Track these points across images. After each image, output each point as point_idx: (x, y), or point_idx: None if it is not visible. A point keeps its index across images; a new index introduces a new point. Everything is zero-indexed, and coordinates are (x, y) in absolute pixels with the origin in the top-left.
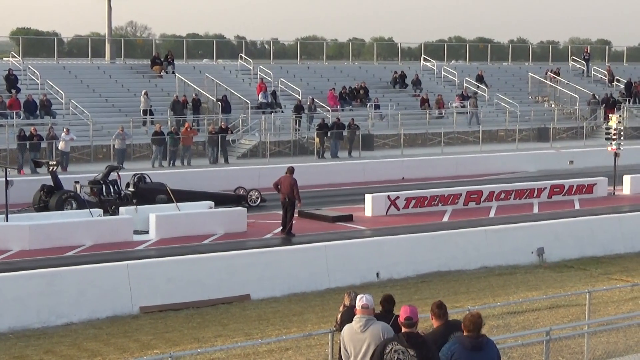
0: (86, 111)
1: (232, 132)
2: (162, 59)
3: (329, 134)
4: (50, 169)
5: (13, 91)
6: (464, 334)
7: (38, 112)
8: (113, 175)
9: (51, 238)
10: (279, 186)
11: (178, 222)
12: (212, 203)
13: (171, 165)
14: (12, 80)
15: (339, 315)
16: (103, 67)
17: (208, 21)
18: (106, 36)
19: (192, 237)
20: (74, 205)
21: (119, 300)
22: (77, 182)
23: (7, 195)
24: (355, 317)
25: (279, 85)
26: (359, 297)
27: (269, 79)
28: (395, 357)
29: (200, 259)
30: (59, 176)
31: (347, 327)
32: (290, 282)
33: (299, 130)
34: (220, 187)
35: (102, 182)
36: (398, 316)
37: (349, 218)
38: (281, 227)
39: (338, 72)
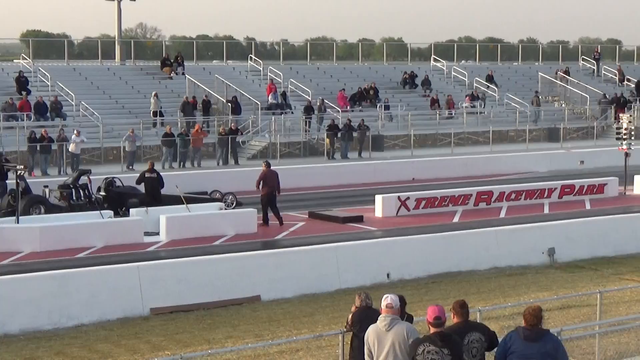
0: (96, 113)
1: (242, 134)
2: (172, 61)
3: (339, 135)
4: (18, 173)
5: (23, 93)
6: (524, 325)
7: (48, 114)
8: (84, 180)
9: (62, 240)
10: (262, 182)
11: (188, 224)
12: (222, 204)
13: (181, 166)
14: (22, 82)
15: (350, 316)
16: (113, 69)
17: (218, 22)
18: (116, 38)
19: (202, 239)
20: (42, 210)
21: (129, 302)
22: (46, 187)
23: (18, 197)
24: (380, 316)
25: (289, 86)
26: (384, 296)
27: (279, 80)
28: (429, 358)
29: (211, 260)
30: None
31: (371, 327)
32: (300, 283)
33: (309, 131)
34: (231, 188)
35: (72, 186)
36: (409, 316)
37: (359, 219)
38: (263, 222)
39: (348, 73)
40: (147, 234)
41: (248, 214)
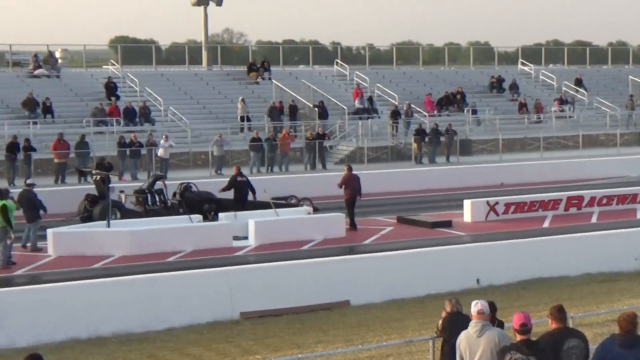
0: (184, 118)
1: (329, 138)
2: (258, 66)
3: (426, 139)
4: (94, 179)
5: (113, 99)
6: (619, 332)
7: (137, 119)
8: (159, 185)
9: (152, 244)
10: (345, 185)
11: (277, 228)
12: (310, 209)
13: (269, 171)
14: (111, 88)
15: (441, 322)
16: (200, 74)
17: (304, 27)
18: (203, 43)
19: (291, 243)
20: (118, 215)
21: (219, 306)
22: (122, 192)
23: (109, 201)
24: (471, 322)
25: (375, 90)
26: (474, 302)
27: (365, 84)
28: None
29: (300, 264)
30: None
31: (463, 333)
32: (389, 288)
33: (396, 135)
34: (318, 193)
35: (147, 191)
36: (500, 322)
37: (448, 224)
38: (350, 225)
39: (434, 77)
40: (235, 238)
41: (336, 219)
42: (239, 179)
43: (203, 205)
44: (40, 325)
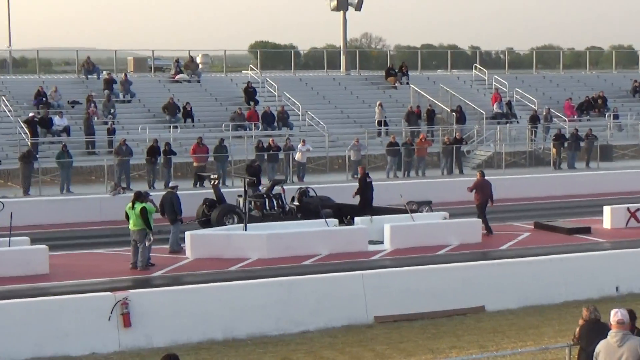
0: (322, 122)
1: (466, 143)
2: (396, 70)
3: (565, 145)
4: (212, 183)
5: (252, 103)
6: None
7: (275, 123)
8: (277, 189)
9: (288, 247)
10: (476, 190)
11: (413, 233)
12: (446, 214)
13: (405, 175)
14: (250, 93)
15: (578, 330)
16: (338, 79)
17: (442, 32)
18: (341, 48)
19: (426, 248)
20: (235, 220)
21: (354, 310)
22: (239, 196)
23: (245, 204)
24: (611, 331)
25: (514, 95)
26: (613, 311)
27: (504, 89)
28: None
29: (435, 269)
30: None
31: (602, 342)
32: (526, 294)
33: (534, 140)
34: (454, 198)
35: (265, 196)
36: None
37: (586, 230)
38: (486, 230)
39: (575, 82)
40: (371, 242)
41: (473, 224)
42: (368, 179)
43: (321, 210)
44: (178, 326)
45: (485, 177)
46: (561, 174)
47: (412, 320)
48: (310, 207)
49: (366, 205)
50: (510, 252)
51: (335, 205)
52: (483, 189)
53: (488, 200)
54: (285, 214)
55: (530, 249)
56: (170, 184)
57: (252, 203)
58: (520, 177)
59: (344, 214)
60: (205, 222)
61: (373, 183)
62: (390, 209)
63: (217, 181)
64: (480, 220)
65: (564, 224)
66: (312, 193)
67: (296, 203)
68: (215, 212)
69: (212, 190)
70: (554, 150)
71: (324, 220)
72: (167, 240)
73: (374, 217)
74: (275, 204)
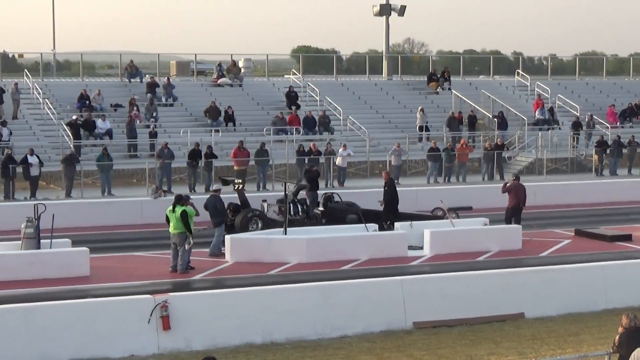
0: (363, 127)
1: (508, 149)
2: (438, 76)
3: (607, 151)
4: (236, 188)
5: (293, 107)
6: None
7: (317, 128)
8: (302, 194)
9: (327, 251)
10: (509, 194)
11: (452, 239)
12: (486, 220)
13: (446, 181)
14: (292, 97)
15: (617, 337)
16: (380, 84)
17: (485, 37)
18: (383, 53)
19: (466, 254)
20: (260, 225)
21: (392, 315)
22: (264, 201)
23: (286, 209)
24: None
25: (557, 101)
26: None
27: (546, 95)
28: None
29: (475, 275)
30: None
31: (637, 351)
32: (565, 302)
33: (576, 147)
34: (495, 204)
35: (290, 201)
36: None
37: (628, 237)
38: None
39: (618, 88)
40: (411, 248)
41: (513, 230)
42: (388, 186)
43: (346, 215)
44: (216, 329)
45: (520, 182)
46: (603, 180)
47: (450, 326)
48: (335, 213)
49: (390, 211)
50: (551, 259)
51: (362, 211)
52: (516, 192)
53: (520, 204)
54: (310, 220)
55: (570, 256)
56: (214, 187)
57: (277, 208)
58: (562, 184)
59: (370, 219)
60: (229, 227)
61: (397, 189)
62: (415, 215)
63: (241, 186)
64: (520, 227)
65: (605, 231)
66: (337, 198)
67: (321, 208)
68: (240, 217)
69: (237, 195)
70: (595, 157)
71: (364, 225)
72: (206, 244)
73: (413, 222)
74: (300, 209)
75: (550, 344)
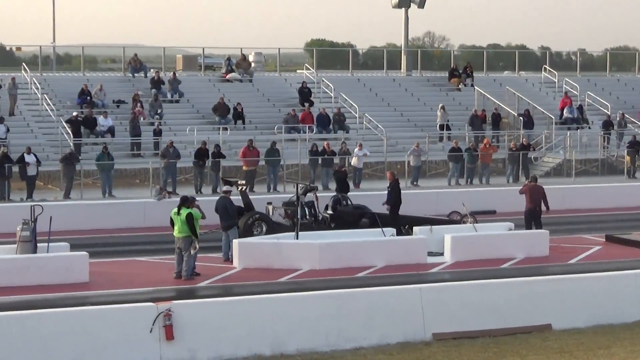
0: (380, 125)
1: (534, 149)
2: (460, 71)
3: None
4: (239, 189)
5: (306, 104)
6: None
7: (331, 126)
8: (310, 197)
9: (342, 258)
10: (526, 196)
11: (475, 244)
12: (511, 224)
13: (468, 183)
14: (305, 93)
15: None
16: (399, 80)
17: (510, 31)
18: (402, 47)
19: (489, 261)
20: (264, 228)
21: (410, 326)
22: (269, 204)
23: (298, 212)
24: None
25: (586, 99)
26: None
27: (575, 92)
28: None
29: (498, 284)
30: None
31: None
32: (595, 312)
33: (607, 147)
34: (520, 208)
35: (297, 204)
36: None
37: None
38: None
39: None
40: (430, 254)
41: (539, 236)
42: (391, 186)
43: (357, 219)
44: (223, 340)
45: (538, 183)
46: (635, 183)
47: (472, 337)
48: (344, 216)
49: (393, 214)
50: (580, 266)
51: (372, 214)
52: (532, 194)
53: (538, 207)
54: (318, 224)
55: (601, 263)
56: (224, 188)
57: (284, 211)
58: (591, 187)
59: (379, 223)
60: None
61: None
62: (420, 218)
63: (244, 187)
64: (547, 232)
65: (638, 237)
66: (347, 202)
67: (330, 212)
68: (243, 220)
69: (240, 197)
70: (627, 158)
71: (380, 229)
72: (214, 249)
73: (433, 226)
74: (307, 213)
75: (579, 357)
